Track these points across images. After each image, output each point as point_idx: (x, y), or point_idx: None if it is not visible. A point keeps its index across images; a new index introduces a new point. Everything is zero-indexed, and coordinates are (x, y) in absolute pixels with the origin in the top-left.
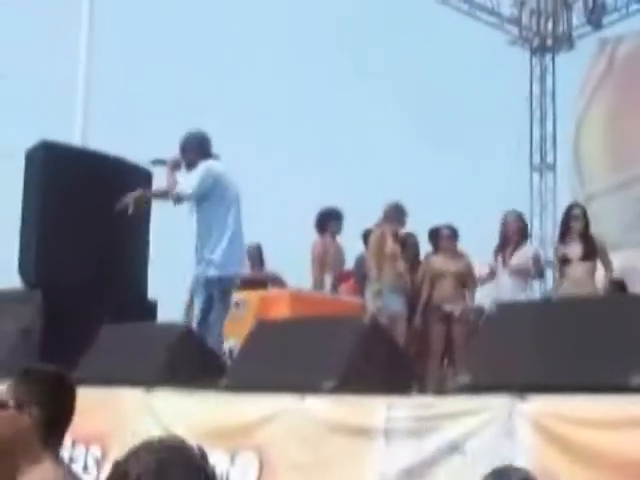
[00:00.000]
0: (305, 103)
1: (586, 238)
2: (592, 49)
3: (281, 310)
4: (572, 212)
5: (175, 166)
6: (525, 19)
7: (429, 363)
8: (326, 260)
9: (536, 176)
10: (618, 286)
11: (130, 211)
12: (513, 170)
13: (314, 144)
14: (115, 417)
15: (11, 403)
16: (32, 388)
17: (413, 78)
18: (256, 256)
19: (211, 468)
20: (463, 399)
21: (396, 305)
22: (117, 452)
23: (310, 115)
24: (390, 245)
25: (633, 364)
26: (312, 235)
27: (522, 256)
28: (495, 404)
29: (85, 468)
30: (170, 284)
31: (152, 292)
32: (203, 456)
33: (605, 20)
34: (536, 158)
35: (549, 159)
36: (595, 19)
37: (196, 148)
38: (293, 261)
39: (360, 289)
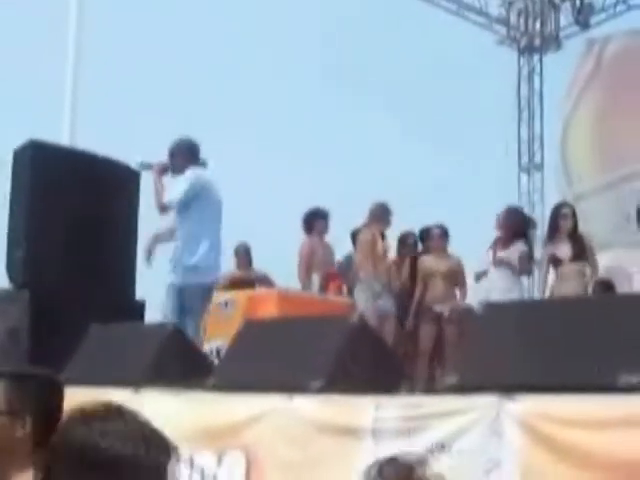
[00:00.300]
0: (298, 104)
1: (575, 238)
2: (580, 49)
3: (269, 310)
4: (561, 211)
5: (162, 171)
6: (513, 19)
7: (419, 363)
8: (313, 261)
9: (524, 176)
10: (606, 286)
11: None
12: (501, 170)
13: (304, 143)
14: None
15: (3, 408)
16: (26, 395)
17: (401, 78)
18: (244, 256)
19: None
20: (451, 399)
21: (385, 305)
22: None
23: (303, 115)
24: (380, 245)
25: (620, 364)
26: (301, 235)
27: (512, 251)
28: (483, 404)
29: None
30: (158, 285)
31: (140, 292)
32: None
33: (592, 20)
34: (524, 158)
35: (537, 159)
36: (582, 19)
37: (185, 154)
38: (281, 261)
39: (348, 289)
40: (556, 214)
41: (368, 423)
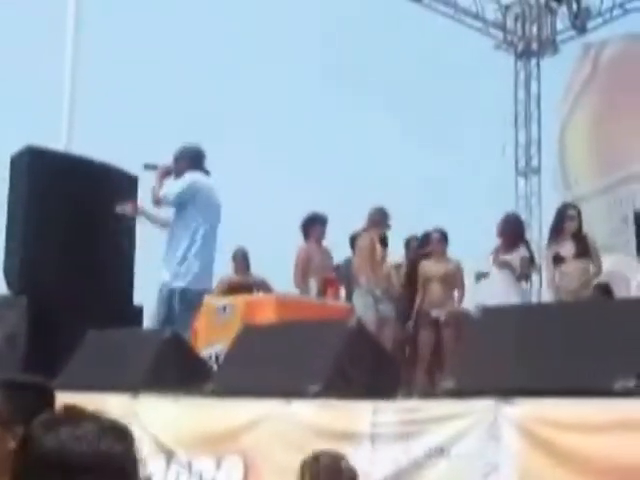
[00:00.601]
0: (298, 105)
1: (579, 237)
2: (576, 53)
3: (267, 315)
4: (567, 212)
5: (166, 173)
6: (510, 24)
7: (417, 368)
8: (310, 267)
9: (521, 180)
10: (603, 290)
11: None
12: (498, 174)
13: (304, 146)
14: None
15: None
16: (17, 406)
17: (400, 81)
18: (242, 261)
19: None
20: (449, 403)
21: (384, 309)
22: None
23: (302, 117)
24: (379, 250)
25: (617, 368)
26: (299, 240)
27: (514, 256)
28: (480, 408)
29: None
30: (156, 290)
31: (137, 298)
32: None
33: (589, 25)
34: (521, 162)
35: (534, 163)
36: (579, 24)
37: (189, 160)
38: (280, 266)
39: (346, 293)
40: (562, 215)
41: (366, 428)
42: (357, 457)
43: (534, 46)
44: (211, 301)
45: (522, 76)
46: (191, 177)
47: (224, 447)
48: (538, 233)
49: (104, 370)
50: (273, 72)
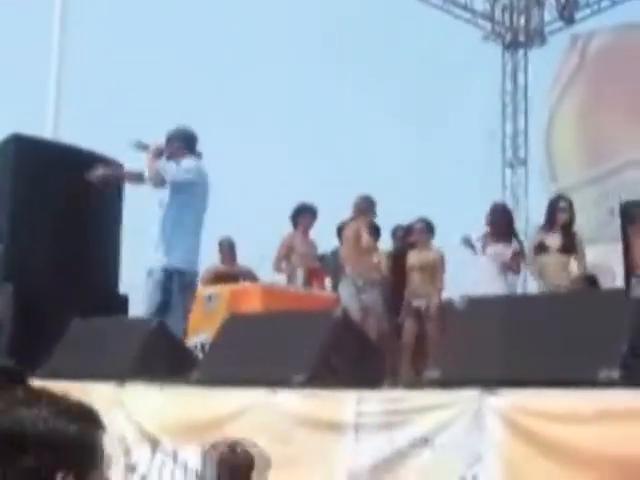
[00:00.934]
0: (289, 98)
1: (567, 231)
2: (564, 44)
3: (253, 304)
4: (559, 204)
5: (157, 154)
6: (498, 14)
7: (402, 358)
8: (293, 254)
9: (508, 171)
10: (590, 282)
11: (97, 182)
12: (485, 164)
13: (293, 137)
14: None
15: None
16: None
17: (388, 72)
18: (228, 250)
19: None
20: (433, 393)
21: (369, 299)
22: None
23: (295, 110)
24: (365, 238)
25: (601, 359)
26: (287, 230)
27: (505, 248)
28: (464, 398)
29: None
30: (141, 279)
31: (123, 287)
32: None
33: (577, 16)
34: (508, 153)
35: (521, 154)
36: (567, 15)
37: (182, 142)
38: (268, 256)
39: (333, 283)
40: (554, 207)
41: (350, 417)
42: (341, 446)
43: (522, 37)
44: (197, 290)
45: (510, 67)
46: (197, 163)
47: (209, 436)
48: (525, 224)
49: (90, 358)
50: (262, 59)
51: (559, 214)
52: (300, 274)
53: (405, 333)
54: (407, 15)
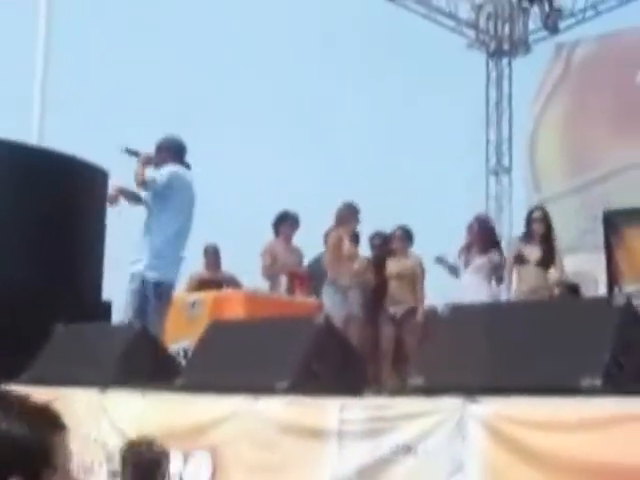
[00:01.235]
0: (289, 98)
1: (548, 243)
2: (548, 53)
3: (235, 310)
4: (533, 215)
5: (147, 161)
6: (482, 23)
7: (381, 365)
8: (276, 263)
9: (492, 178)
10: (572, 290)
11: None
12: (469, 172)
13: (279, 144)
14: (68, 418)
15: None
16: None
17: (372, 79)
18: (213, 257)
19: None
20: (416, 401)
21: (351, 306)
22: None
23: (295, 110)
24: (347, 246)
25: (584, 366)
26: (270, 237)
27: (487, 260)
28: (447, 406)
29: None
30: (125, 285)
31: (106, 293)
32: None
33: (561, 25)
34: (492, 161)
35: (505, 162)
36: (551, 24)
37: (171, 151)
38: (250, 263)
39: (315, 290)
40: (529, 219)
41: (333, 425)
42: (324, 453)
43: (506, 46)
44: (180, 297)
45: (494, 75)
46: (176, 169)
47: (192, 442)
48: (508, 232)
49: (72, 365)
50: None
51: (534, 224)
52: (283, 281)
53: (384, 340)
54: (392, 21)
